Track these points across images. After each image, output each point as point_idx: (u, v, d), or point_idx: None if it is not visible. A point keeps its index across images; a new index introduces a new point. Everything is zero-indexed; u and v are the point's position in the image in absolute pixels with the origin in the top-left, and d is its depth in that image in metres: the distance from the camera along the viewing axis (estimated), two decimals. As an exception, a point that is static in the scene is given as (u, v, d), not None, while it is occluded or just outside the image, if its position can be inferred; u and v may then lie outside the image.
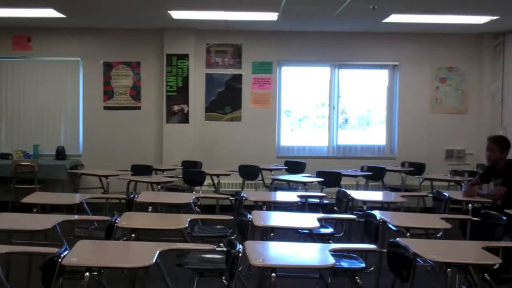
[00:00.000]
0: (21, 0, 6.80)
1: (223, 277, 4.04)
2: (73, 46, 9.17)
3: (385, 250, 3.98)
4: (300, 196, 6.07)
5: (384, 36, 9.12)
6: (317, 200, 6.80)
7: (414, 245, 3.74)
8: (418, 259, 3.67)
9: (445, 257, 3.69)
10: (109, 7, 7.37)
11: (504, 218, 4.70)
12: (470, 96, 9.26)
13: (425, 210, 7.09)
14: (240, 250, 3.72)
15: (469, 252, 3.95)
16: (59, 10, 7.48)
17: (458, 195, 6.19)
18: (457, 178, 7.68)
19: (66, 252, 3.51)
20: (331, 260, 3.58)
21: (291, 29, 8.92)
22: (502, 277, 4.60)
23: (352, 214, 5.99)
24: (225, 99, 9.27)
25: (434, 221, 4.86)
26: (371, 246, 4.18)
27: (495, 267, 3.79)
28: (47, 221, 4.45)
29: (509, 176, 5.89)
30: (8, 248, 3.77)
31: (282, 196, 6.42)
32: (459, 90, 9.27)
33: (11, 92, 9.23)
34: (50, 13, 7.56)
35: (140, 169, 8.18)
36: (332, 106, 9.46)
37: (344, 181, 7.80)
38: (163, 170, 8.43)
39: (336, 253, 3.92)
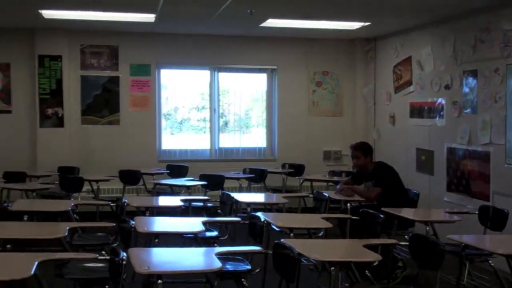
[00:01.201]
0: None
1: (107, 286, 3.89)
2: None
3: (270, 252, 4.04)
4: (183, 200, 6.02)
5: (263, 40, 9.29)
6: (201, 204, 6.78)
7: (298, 245, 3.83)
8: (302, 258, 3.76)
9: (328, 256, 3.80)
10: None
11: (381, 216, 4.95)
12: (345, 99, 9.66)
13: (306, 210, 7.29)
14: (124, 257, 3.61)
15: (351, 250, 4.11)
16: None
17: (336, 194, 6.43)
18: (335, 178, 7.99)
19: None
20: (217, 264, 3.58)
21: (170, 31, 8.82)
22: (381, 272, 4.84)
23: (236, 216, 6.03)
24: (102, 102, 8.98)
25: (316, 220, 5.01)
26: (256, 248, 4.23)
27: (375, 264, 3.97)
28: None
29: (380, 178, 6.21)
30: None
31: (165, 200, 6.35)
32: (334, 93, 9.64)
33: None
34: None
35: (13, 176, 7.70)
36: (213, 109, 9.48)
37: (227, 183, 7.85)
38: (38, 177, 8.01)
39: (222, 256, 3.92)
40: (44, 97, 8.61)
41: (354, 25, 8.02)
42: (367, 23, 7.83)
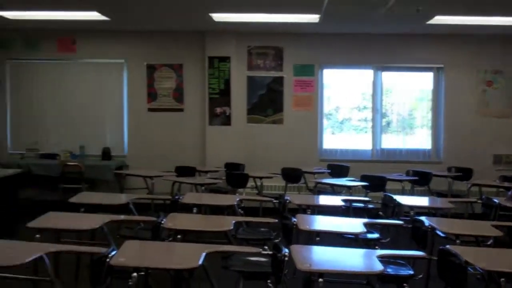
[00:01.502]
0: (66, 2, 6.91)
1: (269, 281, 4.00)
2: (117, 48, 9.29)
3: (435, 258, 3.89)
4: (344, 200, 6.00)
5: (429, 37, 8.97)
6: (361, 205, 6.71)
7: (464, 252, 3.64)
8: (468, 267, 3.57)
9: (497, 265, 3.58)
10: (152, 10, 7.43)
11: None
12: (518, 100, 9.03)
13: (473, 216, 6.91)
14: (286, 254, 3.69)
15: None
16: (103, 13, 7.58)
17: (506, 201, 6.02)
18: (506, 184, 7.47)
19: (114, 252, 3.54)
20: (379, 266, 3.51)
21: (333, 31, 8.84)
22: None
23: (398, 219, 5.88)
24: (267, 102, 9.26)
25: (485, 228, 4.72)
26: (420, 253, 4.09)
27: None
28: (95, 221, 4.50)
29: None
30: (57, 247, 3.81)
31: (326, 200, 6.35)
32: (506, 93, 9.03)
33: (57, 94, 9.39)
34: (94, 15, 7.67)
35: (184, 171, 8.22)
36: (376, 109, 9.34)
37: (389, 185, 7.68)
38: (206, 172, 8.46)
39: (383, 259, 3.85)
40: (213, 97, 9.08)
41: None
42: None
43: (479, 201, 6.50)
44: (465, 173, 8.40)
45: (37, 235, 4.19)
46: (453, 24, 7.80)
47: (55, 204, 8.09)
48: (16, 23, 8.40)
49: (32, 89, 9.40)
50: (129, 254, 3.61)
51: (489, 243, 5.10)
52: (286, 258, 3.67)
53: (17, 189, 7.72)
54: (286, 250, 3.73)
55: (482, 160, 8.96)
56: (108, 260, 3.38)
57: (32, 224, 4.26)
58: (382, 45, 9.07)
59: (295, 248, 3.85)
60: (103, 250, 3.59)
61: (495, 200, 5.91)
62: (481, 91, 9.06)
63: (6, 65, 9.38)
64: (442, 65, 9.14)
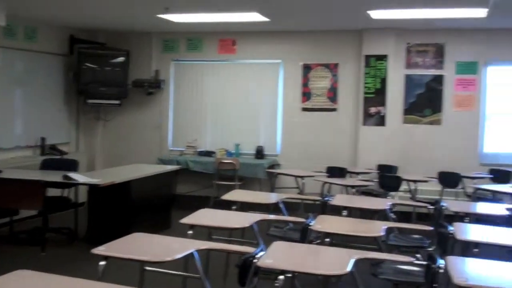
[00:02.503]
0: (228, 4, 7.11)
1: (421, 292, 3.80)
2: (274, 49, 9.42)
3: None
4: (509, 209, 5.53)
5: None
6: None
7: None
8: None
9: None
10: (311, 10, 7.42)
11: None
12: None
13: None
14: (442, 265, 3.47)
15: None
16: (263, 14, 7.71)
17: None
18: None
19: (262, 252, 3.55)
20: (548, 287, 3.17)
21: (501, 26, 8.22)
22: None
23: None
24: (425, 102, 8.86)
25: None
26: None
27: None
28: (245, 219, 4.58)
29: None
30: (208, 245, 3.92)
31: (487, 207, 5.92)
32: None
33: (216, 94, 9.76)
34: (254, 17, 7.83)
35: (335, 171, 8.14)
36: (548, 110, 8.55)
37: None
38: (357, 173, 8.30)
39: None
40: (368, 96, 8.88)
41: None
42: None
43: None
44: None
45: (190, 231, 4.34)
46: None
47: (209, 200, 8.51)
48: (180, 26, 8.85)
49: (192, 89, 9.86)
50: (277, 256, 3.60)
51: None
52: (442, 270, 3.45)
53: (175, 184, 8.14)
54: (442, 262, 3.50)
55: None
56: (255, 260, 3.40)
57: (185, 220, 4.42)
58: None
59: (451, 259, 3.59)
60: (251, 250, 3.62)
61: None
62: None
63: (170, 66, 9.92)
64: None
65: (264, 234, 4.85)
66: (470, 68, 8.69)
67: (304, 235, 4.51)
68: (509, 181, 7.73)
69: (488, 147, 8.78)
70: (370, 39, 8.85)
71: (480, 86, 8.67)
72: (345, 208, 5.49)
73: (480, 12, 7.15)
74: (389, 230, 5.12)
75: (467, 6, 6.92)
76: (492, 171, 8.17)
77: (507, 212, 5.43)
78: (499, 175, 8.00)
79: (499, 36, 8.48)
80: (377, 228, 4.45)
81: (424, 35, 8.79)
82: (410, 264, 4.14)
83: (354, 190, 7.24)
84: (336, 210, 5.43)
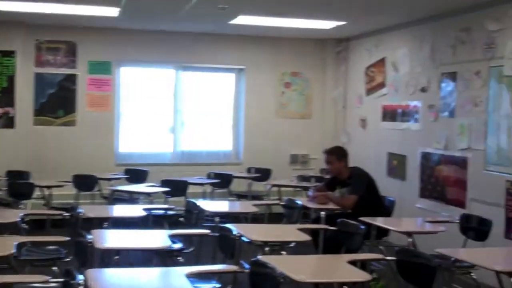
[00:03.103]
0: None
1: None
2: None
3: (247, 270, 3.62)
4: (145, 209, 5.53)
5: (231, 38, 8.86)
6: (162, 212, 6.31)
7: (278, 263, 3.44)
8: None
9: (315, 276, 3.42)
10: None
11: (363, 227, 4.58)
12: (314, 102, 9.30)
13: (273, 216, 6.90)
14: (81, 281, 3.14)
15: (336, 268, 3.71)
16: None
17: (308, 202, 6.06)
18: (304, 183, 7.62)
19: None
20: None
21: (133, 27, 8.31)
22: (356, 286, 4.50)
23: (201, 225, 5.60)
24: (58, 102, 8.40)
25: (292, 233, 4.61)
26: (233, 267, 3.77)
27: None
28: None
29: (356, 184, 5.85)
30: None
31: (124, 210, 5.85)
32: (303, 95, 9.27)
33: None
34: None
35: None
36: (176, 110, 8.99)
37: (190, 189, 7.38)
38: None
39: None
40: (-6, 96, 8.00)
41: (328, 24, 7.69)
42: (342, 22, 7.50)
43: (281, 203, 6.49)
44: (264, 174, 8.43)
45: None
46: (255, 25, 7.75)
47: None
48: None
49: None
50: None
51: (291, 245, 5.03)
52: (81, 287, 3.12)
53: None
54: (81, 276, 3.18)
55: (280, 160, 9.06)
56: None
57: None
58: (184, 44, 8.74)
59: (91, 273, 3.31)
60: None
61: (298, 202, 5.91)
62: (280, 93, 9.17)
63: None
64: (243, 66, 9.09)
65: None
66: (103, 68, 8.58)
67: None
68: (144, 181, 7.86)
69: (123, 147, 8.83)
70: (-3, 32, 7.97)
71: (114, 86, 8.62)
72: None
73: (112, 11, 7.07)
74: (21, 244, 4.59)
75: (99, 4, 6.76)
76: (127, 171, 8.19)
77: (144, 213, 5.41)
78: (134, 175, 8.06)
79: (131, 37, 8.56)
80: (7, 245, 3.89)
81: (55, 31, 8.32)
82: (47, 283, 3.70)
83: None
84: None
